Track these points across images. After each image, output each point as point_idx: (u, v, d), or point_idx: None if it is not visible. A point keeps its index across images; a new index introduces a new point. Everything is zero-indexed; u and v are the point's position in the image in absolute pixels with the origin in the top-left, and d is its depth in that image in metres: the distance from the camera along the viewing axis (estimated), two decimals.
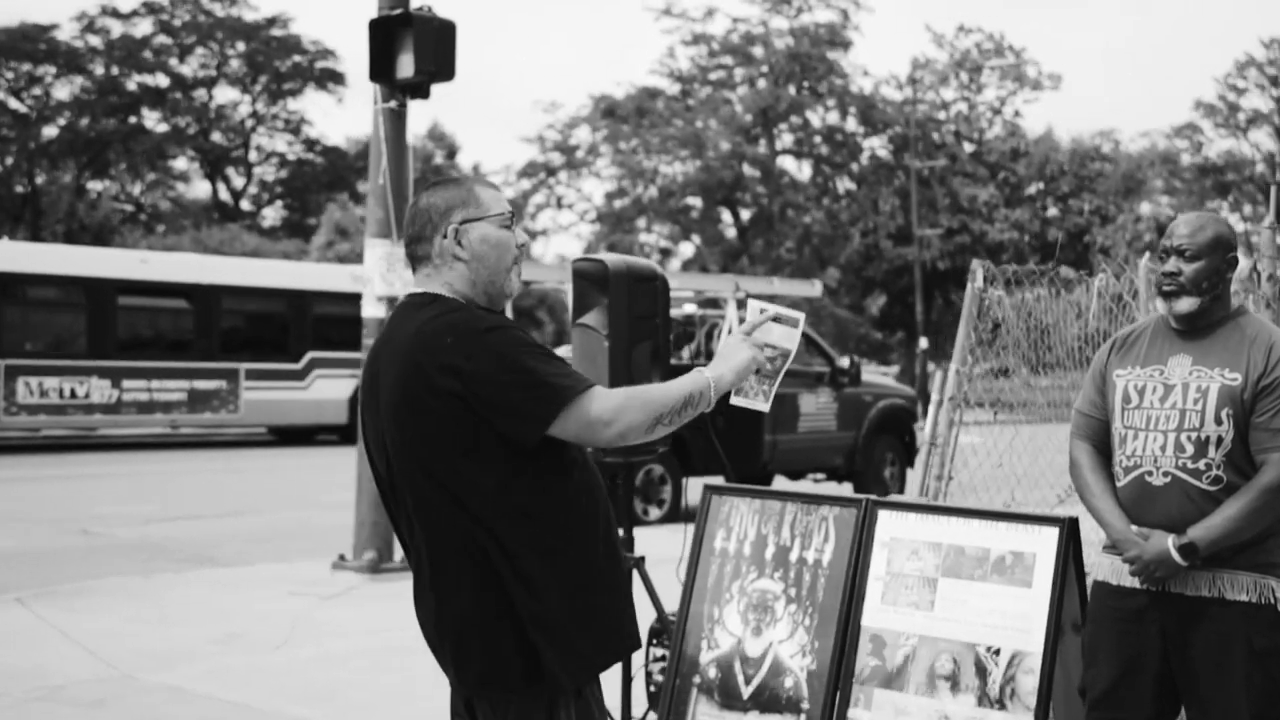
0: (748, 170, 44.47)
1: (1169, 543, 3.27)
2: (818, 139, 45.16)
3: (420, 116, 58.16)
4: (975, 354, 5.79)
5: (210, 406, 21.40)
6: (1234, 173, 55.64)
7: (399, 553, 9.03)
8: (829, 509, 4.29)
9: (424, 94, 8.52)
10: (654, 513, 11.94)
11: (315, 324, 22.63)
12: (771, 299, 3.90)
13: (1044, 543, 3.77)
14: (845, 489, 13.38)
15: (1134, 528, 3.35)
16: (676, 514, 11.21)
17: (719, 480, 4.61)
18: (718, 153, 42.90)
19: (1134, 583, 3.39)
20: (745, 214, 46.06)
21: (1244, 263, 5.79)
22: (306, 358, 22.35)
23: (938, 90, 45.93)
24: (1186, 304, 3.35)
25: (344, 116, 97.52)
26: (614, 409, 2.61)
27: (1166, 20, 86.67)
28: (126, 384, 20.45)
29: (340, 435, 23.03)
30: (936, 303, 45.27)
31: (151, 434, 23.02)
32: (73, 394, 20.00)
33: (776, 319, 2.93)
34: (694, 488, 11.39)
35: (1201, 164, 55.37)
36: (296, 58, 50.11)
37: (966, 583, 3.89)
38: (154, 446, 22.13)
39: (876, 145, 46.33)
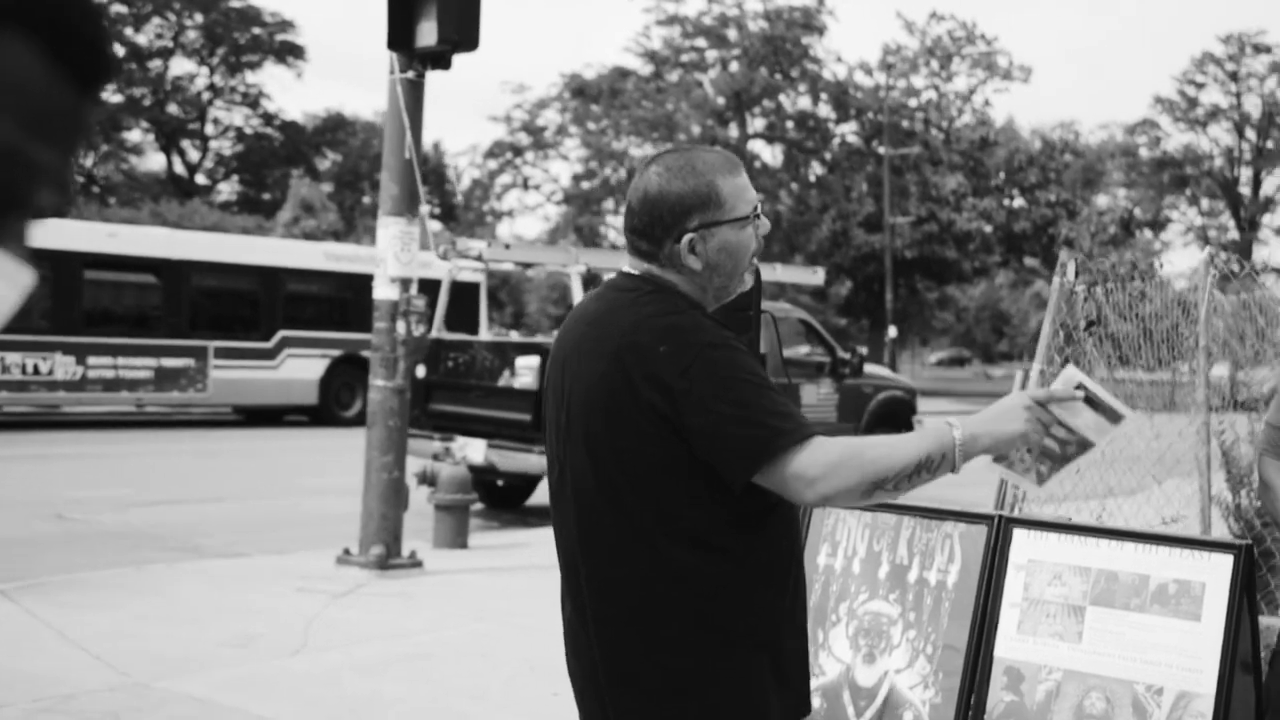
0: None
1: None
2: (790, 124, 44.80)
3: (378, 94, 57.31)
4: (1062, 353, 5.46)
5: (178, 385, 20.73)
6: (1192, 167, 56.09)
7: (407, 548, 8.60)
8: (953, 525, 3.94)
9: (445, 65, 7.99)
10: None
11: (287, 302, 21.98)
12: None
13: (1215, 571, 3.43)
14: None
15: None
16: None
17: None
18: (689, 135, 42.46)
19: None
20: None
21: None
22: (277, 336, 21.72)
23: (908, 77, 45.70)
24: None
25: (302, 91, 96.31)
26: (825, 466, 2.15)
27: (1127, 15, 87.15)
28: (92, 361, 19.76)
29: (311, 417, 22.46)
30: (901, 291, 45.15)
31: (115, 412, 22.33)
32: (35, 370, 19.29)
33: (1092, 402, 2.32)
34: None
35: (1159, 158, 55.76)
36: (255, 30, 49.17)
37: (1121, 613, 3.55)
38: (118, 425, 21.47)
39: (848, 131, 46.04)
